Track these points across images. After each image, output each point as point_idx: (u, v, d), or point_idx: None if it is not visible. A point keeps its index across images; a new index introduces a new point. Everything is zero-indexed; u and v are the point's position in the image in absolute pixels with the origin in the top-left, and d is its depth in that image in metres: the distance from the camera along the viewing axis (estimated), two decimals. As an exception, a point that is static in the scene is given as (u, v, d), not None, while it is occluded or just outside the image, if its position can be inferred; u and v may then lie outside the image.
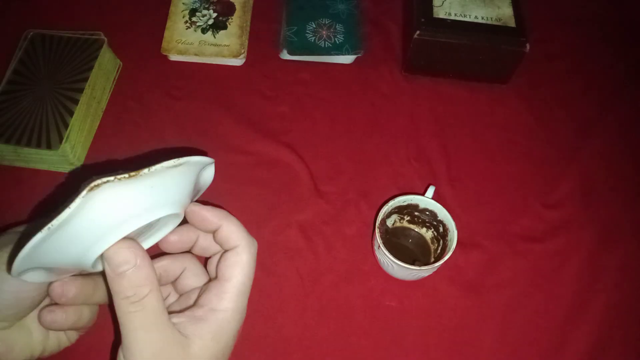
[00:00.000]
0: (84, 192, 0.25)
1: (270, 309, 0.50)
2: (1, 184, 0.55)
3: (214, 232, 0.34)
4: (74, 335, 0.38)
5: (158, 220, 0.30)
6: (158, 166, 0.27)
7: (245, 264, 0.33)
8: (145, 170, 0.27)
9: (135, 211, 0.28)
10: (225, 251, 0.34)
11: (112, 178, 0.26)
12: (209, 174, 0.35)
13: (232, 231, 0.33)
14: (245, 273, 0.33)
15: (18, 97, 0.55)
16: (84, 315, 0.35)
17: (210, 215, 0.33)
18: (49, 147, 0.53)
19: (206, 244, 0.36)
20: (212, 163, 0.33)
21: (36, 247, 0.26)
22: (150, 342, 0.29)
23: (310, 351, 0.48)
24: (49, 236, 0.25)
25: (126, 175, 0.26)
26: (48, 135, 0.53)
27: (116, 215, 0.27)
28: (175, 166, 0.28)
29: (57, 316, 0.33)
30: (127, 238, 0.29)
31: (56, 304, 0.34)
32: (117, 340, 0.29)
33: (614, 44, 0.71)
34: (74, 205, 0.25)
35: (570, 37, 0.71)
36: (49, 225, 0.25)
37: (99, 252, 0.28)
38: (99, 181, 0.25)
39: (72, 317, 0.34)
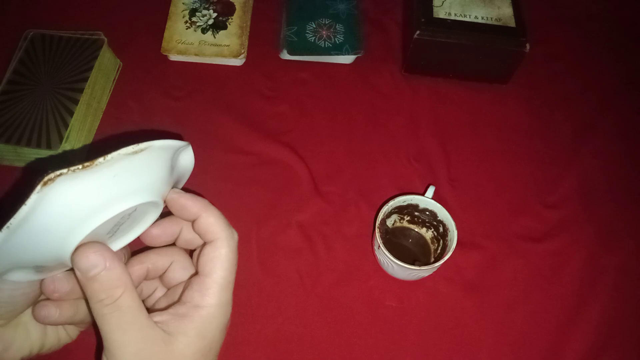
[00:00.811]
0: (38, 187, 0.24)
1: (270, 309, 0.50)
2: (1, 184, 0.55)
3: (192, 222, 0.33)
4: (74, 331, 0.38)
5: (134, 210, 0.29)
6: (115, 154, 0.26)
7: (225, 259, 0.32)
8: (101, 159, 0.25)
9: (102, 202, 0.27)
10: (205, 244, 0.33)
11: (65, 170, 0.24)
12: (188, 160, 0.33)
13: (211, 223, 0.32)
14: (226, 267, 0.32)
15: (18, 97, 0.55)
16: (81, 310, 0.34)
17: (190, 204, 0.32)
18: (49, 147, 0.53)
19: (190, 236, 0.35)
20: (187, 146, 0.32)
21: (1, 247, 0.25)
22: (130, 342, 0.28)
23: (310, 351, 0.48)
24: (12, 235, 0.25)
25: (80, 167, 0.25)
26: (48, 135, 0.53)
27: (81, 208, 0.26)
28: (135, 152, 0.27)
29: (50, 311, 0.32)
30: (94, 241, 0.28)
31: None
32: (100, 345, 0.29)
33: (614, 44, 0.71)
34: (30, 201, 0.24)
35: (570, 37, 0.71)
36: (8, 224, 0.24)
37: (74, 246, 0.27)
38: (52, 175, 0.24)
39: (67, 312, 0.33)
